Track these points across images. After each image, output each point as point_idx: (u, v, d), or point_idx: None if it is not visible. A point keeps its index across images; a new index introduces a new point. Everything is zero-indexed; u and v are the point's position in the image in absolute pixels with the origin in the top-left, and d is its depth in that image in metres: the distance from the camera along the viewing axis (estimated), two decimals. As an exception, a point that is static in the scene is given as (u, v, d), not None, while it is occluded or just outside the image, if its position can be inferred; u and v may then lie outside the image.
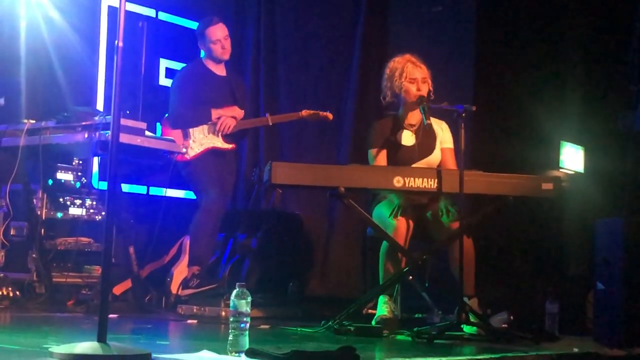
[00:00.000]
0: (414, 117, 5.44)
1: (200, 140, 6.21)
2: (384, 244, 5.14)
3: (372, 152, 5.43)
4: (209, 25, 6.30)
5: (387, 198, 5.27)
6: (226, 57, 6.36)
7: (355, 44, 7.20)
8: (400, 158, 5.36)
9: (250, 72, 7.65)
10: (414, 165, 5.28)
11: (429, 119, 5.09)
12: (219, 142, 6.25)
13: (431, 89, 5.35)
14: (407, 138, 5.43)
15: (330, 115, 6.43)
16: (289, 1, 7.66)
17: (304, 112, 6.38)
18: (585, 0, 6.47)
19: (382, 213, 5.22)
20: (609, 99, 6.35)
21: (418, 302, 5.34)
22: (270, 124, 6.43)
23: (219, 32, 6.29)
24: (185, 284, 5.99)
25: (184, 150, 6.09)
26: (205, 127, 6.23)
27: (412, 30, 6.89)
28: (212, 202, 6.12)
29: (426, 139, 5.43)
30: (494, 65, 6.47)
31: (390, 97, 5.45)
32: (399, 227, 5.07)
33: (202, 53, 6.49)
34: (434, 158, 5.42)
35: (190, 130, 6.21)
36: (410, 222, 5.12)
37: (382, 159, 5.38)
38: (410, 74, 5.34)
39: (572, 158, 6.38)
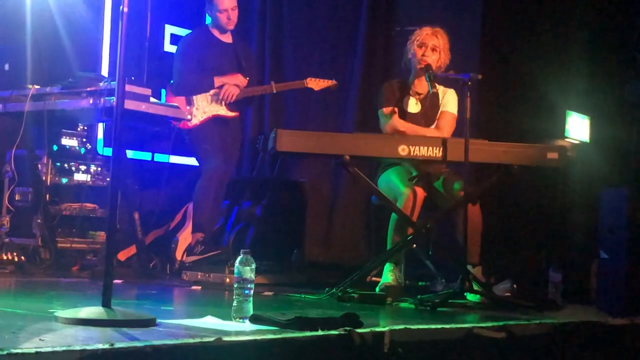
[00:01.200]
0: (421, 85, 5.42)
1: (204, 108, 6.19)
2: (394, 215, 5.14)
3: (385, 110, 5.40)
4: None
5: (401, 165, 5.25)
6: (231, 27, 6.32)
7: (362, 12, 7.16)
8: (404, 125, 5.37)
9: (256, 39, 7.61)
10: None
11: (435, 87, 5.10)
12: (222, 110, 6.23)
13: (443, 61, 5.30)
14: (412, 105, 5.43)
15: (334, 83, 6.41)
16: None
17: (309, 80, 6.35)
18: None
19: (390, 180, 5.21)
20: (615, 69, 6.33)
21: (422, 270, 5.36)
22: (275, 91, 6.41)
23: (227, 2, 6.24)
24: (189, 250, 6.01)
25: (189, 117, 6.08)
26: (208, 94, 6.21)
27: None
28: (214, 169, 6.11)
29: (430, 108, 5.42)
30: (500, 34, 6.44)
31: (404, 62, 5.43)
32: (410, 196, 5.06)
33: (208, 19, 6.45)
34: (437, 127, 5.43)
35: (194, 97, 6.19)
36: (420, 191, 5.11)
37: (395, 116, 5.36)
38: (422, 39, 5.31)
39: (578, 127, 6.37)
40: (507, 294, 5.04)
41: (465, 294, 4.71)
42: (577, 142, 6.30)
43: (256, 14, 7.62)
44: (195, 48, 6.31)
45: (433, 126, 5.40)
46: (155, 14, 6.84)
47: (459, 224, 4.97)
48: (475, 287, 4.71)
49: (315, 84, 6.36)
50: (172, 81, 6.37)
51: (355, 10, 7.21)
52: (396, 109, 5.39)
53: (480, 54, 6.45)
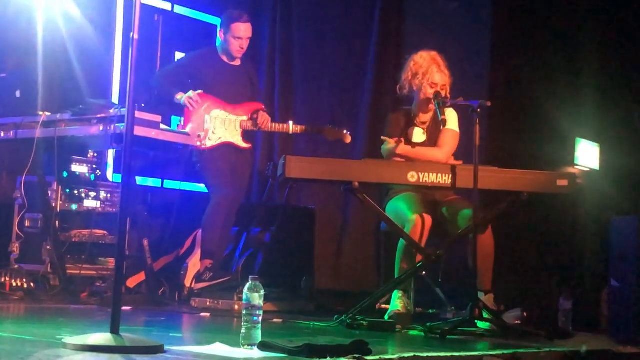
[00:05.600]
0: (426, 115, 5.46)
1: (220, 133, 6.17)
2: (402, 240, 5.13)
3: (389, 138, 5.42)
4: (237, 20, 6.25)
5: (410, 192, 5.25)
6: (239, 56, 6.33)
7: (371, 40, 7.19)
8: (410, 155, 5.37)
9: (266, 67, 7.65)
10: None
11: (444, 114, 5.11)
12: (238, 139, 6.22)
13: (448, 95, 5.33)
14: (418, 135, 5.45)
15: (349, 139, 6.38)
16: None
17: (326, 130, 6.33)
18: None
19: (398, 207, 5.22)
20: (624, 96, 6.33)
21: (431, 297, 5.34)
22: (290, 133, 6.37)
23: (243, 31, 6.25)
24: (198, 277, 6.00)
25: (202, 134, 6.05)
26: (227, 119, 6.18)
27: (428, 25, 6.88)
28: (223, 196, 6.12)
29: (434, 136, 5.44)
30: (510, 61, 6.45)
31: (408, 91, 5.45)
32: (418, 222, 5.06)
33: (218, 41, 6.45)
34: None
35: (213, 120, 6.13)
36: (428, 218, 5.11)
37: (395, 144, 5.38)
38: (432, 79, 5.33)
39: (588, 155, 6.36)
40: (517, 322, 5.02)
41: (475, 321, 4.69)
42: (586, 169, 6.29)
43: (266, 42, 7.67)
44: (197, 63, 6.31)
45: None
46: (166, 41, 6.88)
47: (472, 251, 4.97)
48: (485, 315, 4.69)
49: (331, 134, 6.35)
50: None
51: (365, 37, 7.24)
52: (402, 139, 5.40)
53: (489, 80, 6.46)
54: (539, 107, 6.24)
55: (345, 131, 6.36)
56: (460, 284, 5.20)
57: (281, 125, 6.36)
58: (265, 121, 6.25)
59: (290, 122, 6.35)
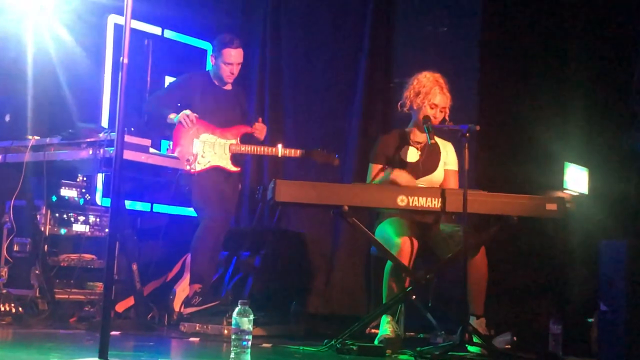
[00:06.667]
0: (422, 135, 5.47)
1: (209, 157, 6.17)
2: (389, 262, 5.13)
3: (373, 166, 5.46)
4: (229, 45, 6.26)
5: (398, 216, 5.26)
6: (230, 81, 6.34)
7: (361, 64, 7.21)
8: (404, 174, 5.38)
9: (255, 91, 7.66)
10: (415, 182, 5.31)
11: (434, 139, 5.13)
12: (227, 163, 6.21)
13: (447, 118, 5.37)
14: (412, 155, 5.46)
15: (337, 161, 6.39)
16: (294, 22, 7.68)
17: (315, 153, 6.32)
18: (590, 22, 6.48)
19: (385, 231, 5.22)
20: (613, 120, 6.34)
21: (421, 321, 5.33)
22: (280, 156, 6.36)
23: (234, 57, 6.27)
24: (187, 301, 5.98)
25: (191, 158, 6.05)
26: (216, 143, 6.18)
27: (417, 50, 6.90)
28: (212, 220, 6.10)
29: (430, 157, 5.45)
30: (498, 86, 6.47)
31: (408, 109, 5.47)
32: (404, 246, 5.06)
33: (209, 66, 6.47)
34: (436, 176, 5.44)
35: (202, 144, 6.12)
36: (415, 242, 5.11)
37: (380, 176, 5.40)
38: (433, 99, 5.35)
39: (576, 179, 6.36)
40: (507, 347, 5.01)
41: (465, 346, 4.68)
42: (575, 193, 6.30)
43: (256, 66, 7.68)
44: (188, 86, 6.30)
45: (432, 174, 5.42)
46: (156, 66, 6.89)
47: (466, 274, 4.97)
48: (476, 340, 4.68)
49: (319, 157, 6.34)
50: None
51: (354, 61, 7.26)
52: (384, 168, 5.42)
53: (478, 105, 6.48)
54: (528, 131, 6.25)
55: (334, 154, 6.36)
56: (451, 308, 5.20)
57: (270, 149, 6.36)
58: (262, 130, 6.27)
59: (280, 145, 6.34)
